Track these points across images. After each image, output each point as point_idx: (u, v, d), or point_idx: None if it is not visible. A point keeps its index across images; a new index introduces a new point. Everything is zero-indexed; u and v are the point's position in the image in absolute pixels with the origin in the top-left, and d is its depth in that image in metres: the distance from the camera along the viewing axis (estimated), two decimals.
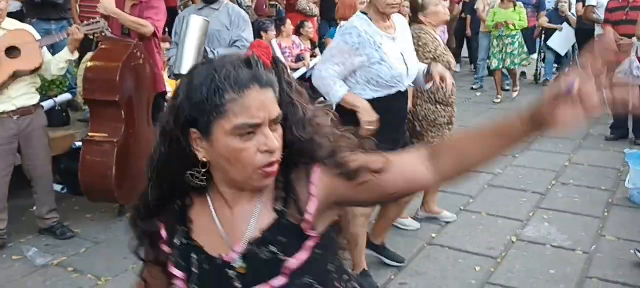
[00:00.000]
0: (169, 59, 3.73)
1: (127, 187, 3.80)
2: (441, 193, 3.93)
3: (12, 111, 3.32)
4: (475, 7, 8.88)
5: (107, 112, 3.73)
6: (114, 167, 3.67)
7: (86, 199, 3.93)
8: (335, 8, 9.04)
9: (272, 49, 7.17)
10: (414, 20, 3.43)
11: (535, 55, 9.69)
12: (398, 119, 2.79)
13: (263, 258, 1.09)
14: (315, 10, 9.04)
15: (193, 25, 3.32)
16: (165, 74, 4.37)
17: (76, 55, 3.61)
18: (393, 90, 2.65)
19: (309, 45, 7.99)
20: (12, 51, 3.28)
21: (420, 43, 3.26)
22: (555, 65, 9.40)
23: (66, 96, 4.82)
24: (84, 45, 3.89)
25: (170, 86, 4.82)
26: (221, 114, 1.03)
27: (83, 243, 3.60)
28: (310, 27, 8.18)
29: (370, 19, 2.62)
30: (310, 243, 1.11)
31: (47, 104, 4.36)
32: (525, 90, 8.92)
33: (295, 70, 7.28)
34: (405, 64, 2.66)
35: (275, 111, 1.06)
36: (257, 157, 1.05)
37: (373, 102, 2.62)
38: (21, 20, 4.23)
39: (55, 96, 4.66)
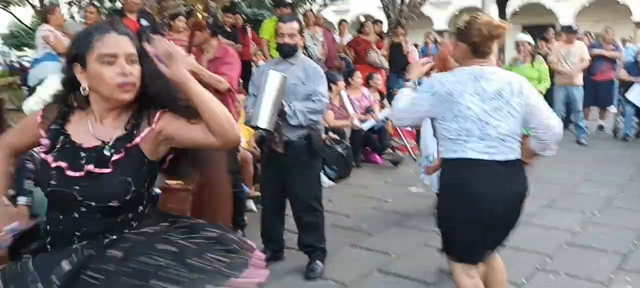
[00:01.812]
0: (245, 107, 3.86)
1: None
2: (515, 251, 3.79)
3: None
4: (549, 59, 8.72)
5: None
6: (189, 214, 3.79)
7: None
8: (403, 60, 9.17)
9: (342, 99, 7.28)
10: None
11: (614, 109, 9.35)
12: None
13: (105, 154, 1.66)
14: (385, 63, 9.16)
15: (272, 80, 3.43)
16: (239, 125, 4.53)
17: None
18: None
19: (378, 97, 8.07)
20: None
21: None
22: (636, 118, 9.00)
23: None
24: None
25: (244, 136, 4.98)
26: (91, 49, 1.64)
27: None
28: (379, 79, 8.27)
29: None
30: (132, 155, 1.68)
31: None
32: (604, 144, 8.58)
33: (363, 121, 7.34)
34: None
35: (129, 50, 1.65)
36: (116, 77, 1.63)
37: None
38: None
39: None
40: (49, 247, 1.69)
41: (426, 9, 16.48)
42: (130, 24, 5.65)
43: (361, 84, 7.77)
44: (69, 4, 21.77)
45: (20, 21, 23.50)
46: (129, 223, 1.72)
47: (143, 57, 1.68)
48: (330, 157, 6.34)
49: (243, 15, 9.51)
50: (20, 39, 30.55)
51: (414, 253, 4.15)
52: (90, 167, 1.64)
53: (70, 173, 1.65)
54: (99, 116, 1.72)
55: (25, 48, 30.62)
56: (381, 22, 11.03)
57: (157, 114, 1.70)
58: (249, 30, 8.87)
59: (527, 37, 7.01)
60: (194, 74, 3.88)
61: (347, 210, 5.32)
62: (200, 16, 3.98)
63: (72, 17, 18.71)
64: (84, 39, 1.66)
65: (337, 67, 8.91)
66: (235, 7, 10.56)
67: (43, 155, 1.71)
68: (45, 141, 1.72)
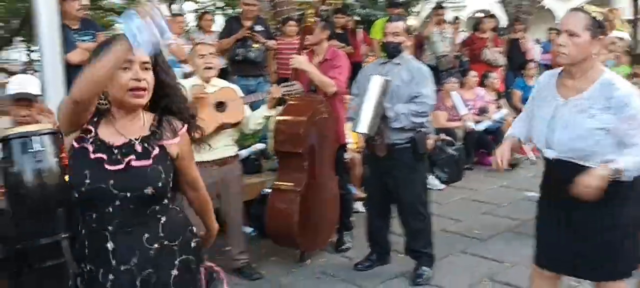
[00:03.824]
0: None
1: (308, 234, 3.99)
2: None
3: (213, 161, 3.62)
4: None
5: (293, 163, 3.98)
6: (297, 215, 3.88)
7: (272, 242, 4.19)
8: (522, 58, 8.71)
9: (453, 101, 7.07)
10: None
11: None
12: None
13: (136, 149, 1.78)
14: (502, 60, 8.75)
15: (374, 85, 3.41)
16: (347, 127, 4.54)
17: (273, 112, 3.91)
18: None
19: (493, 97, 7.73)
20: (220, 106, 3.68)
21: None
22: None
23: (260, 146, 5.26)
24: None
25: (351, 138, 4.99)
26: None
27: (263, 286, 3.82)
28: (495, 78, 7.92)
29: (557, 74, 2.46)
30: (162, 151, 1.82)
31: (245, 152, 4.84)
32: None
33: (478, 123, 7.07)
34: (551, 130, 2.38)
35: (143, 58, 1.74)
36: (130, 82, 1.73)
37: None
38: (225, 76, 4.77)
39: (250, 146, 5.12)
40: (86, 251, 1.77)
41: (548, 2, 15.53)
42: None
43: (476, 83, 7.49)
44: (195, 11, 23.16)
45: None
46: (156, 215, 1.81)
47: (157, 68, 1.82)
48: (440, 159, 6.18)
49: (356, 16, 9.55)
50: None
51: (529, 262, 3.92)
52: (131, 157, 1.75)
53: (108, 166, 1.73)
54: (120, 119, 1.81)
55: None
56: (495, 17, 10.55)
57: (183, 129, 1.88)
58: (360, 31, 8.87)
59: (620, 34, 5.55)
60: (303, 74, 4.03)
61: (458, 214, 5.15)
62: (310, 20, 4.04)
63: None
64: (107, 47, 1.70)
65: (452, 65, 8.65)
66: (348, 8, 10.60)
67: (82, 144, 1.76)
68: (88, 127, 1.79)
